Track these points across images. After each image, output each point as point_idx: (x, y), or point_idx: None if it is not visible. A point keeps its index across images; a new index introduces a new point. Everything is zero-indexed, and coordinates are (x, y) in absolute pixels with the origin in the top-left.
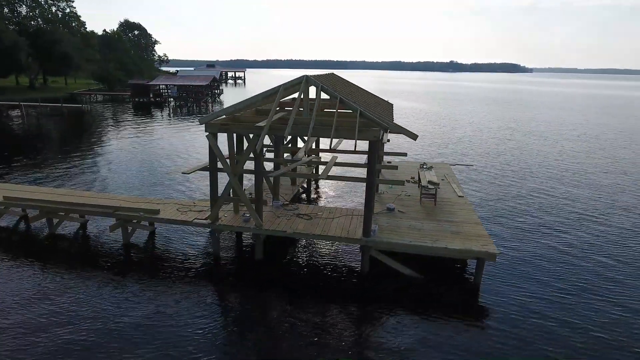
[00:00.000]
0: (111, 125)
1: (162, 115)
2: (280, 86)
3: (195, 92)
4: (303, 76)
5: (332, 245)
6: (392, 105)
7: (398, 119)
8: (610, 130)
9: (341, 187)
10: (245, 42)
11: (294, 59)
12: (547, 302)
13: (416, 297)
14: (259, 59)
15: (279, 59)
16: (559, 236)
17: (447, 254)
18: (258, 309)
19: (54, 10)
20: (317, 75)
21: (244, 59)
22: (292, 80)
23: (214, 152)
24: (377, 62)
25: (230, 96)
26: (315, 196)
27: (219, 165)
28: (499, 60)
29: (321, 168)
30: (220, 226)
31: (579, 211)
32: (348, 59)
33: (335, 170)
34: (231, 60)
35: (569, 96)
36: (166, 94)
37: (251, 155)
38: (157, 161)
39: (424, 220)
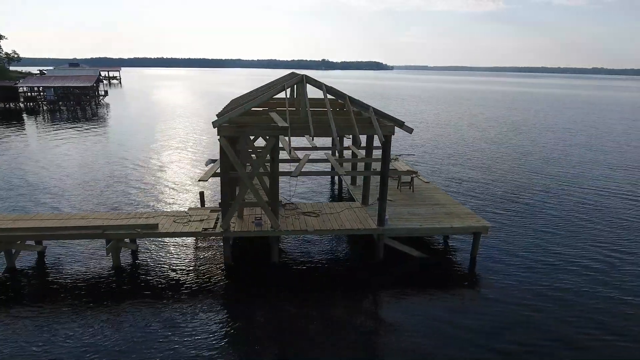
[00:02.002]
0: None
1: (37, 123)
2: (283, 84)
3: (79, 94)
4: (303, 75)
5: (336, 239)
6: None
7: None
8: (481, 117)
9: (307, 183)
10: (106, 38)
11: (165, 57)
12: (532, 264)
13: (430, 274)
14: (125, 56)
15: (148, 56)
16: (519, 205)
17: (453, 232)
18: (290, 311)
19: None
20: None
21: (108, 56)
22: (291, 80)
23: (226, 156)
24: (253, 60)
25: (118, 98)
26: (294, 194)
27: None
28: (365, 59)
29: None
30: (236, 233)
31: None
32: (224, 57)
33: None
34: (93, 58)
35: (439, 91)
36: (41, 97)
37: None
38: (48, 175)
39: (414, 206)
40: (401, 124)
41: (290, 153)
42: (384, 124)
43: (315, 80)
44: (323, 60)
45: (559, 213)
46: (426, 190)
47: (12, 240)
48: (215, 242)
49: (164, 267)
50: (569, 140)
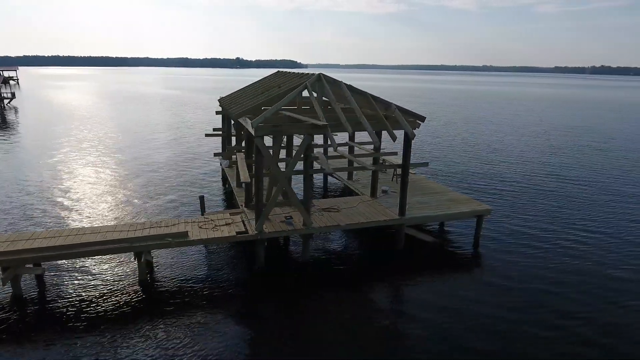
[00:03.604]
0: None
1: None
2: (305, 83)
3: None
4: (319, 74)
5: (348, 232)
6: None
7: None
8: None
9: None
10: None
11: (61, 55)
12: (527, 241)
13: (446, 258)
14: (12, 54)
15: (41, 54)
16: (500, 190)
17: (462, 217)
18: (334, 309)
19: None
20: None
21: None
22: (311, 79)
23: (261, 156)
24: (162, 58)
25: (23, 101)
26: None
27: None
28: (279, 57)
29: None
30: (271, 234)
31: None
32: (129, 55)
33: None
34: None
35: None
36: None
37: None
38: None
39: (417, 196)
40: (423, 119)
41: (336, 149)
42: (408, 120)
43: (333, 79)
44: (237, 58)
45: (545, 196)
46: (417, 181)
47: (21, 264)
48: (227, 246)
49: (189, 278)
50: (503, 130)
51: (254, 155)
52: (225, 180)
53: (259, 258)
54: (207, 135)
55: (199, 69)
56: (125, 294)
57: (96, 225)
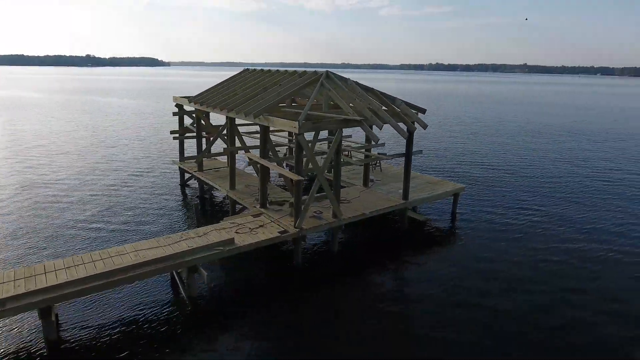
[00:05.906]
0: None
1: None
2: (321, 80)
3: None
4: (326, 71)
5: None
6: None
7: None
8: None
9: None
10: None
11: None
12: (504, 216)
13: (437, 232)
14: None
15: None
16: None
17: (445, 196)
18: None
19: None
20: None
21: None
22: (322, 76)
23: (301, 152)
24: None
25: None
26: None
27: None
28: (138, 55)
29: None
30: (310, 231)
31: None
32: None
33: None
34: None
35: None
36: None
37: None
38: None
39: (398, 182)
40: (424, 111)
41: (376, 142)
42: (415, 114)
43: (340, 75)
44: (88, 55)
45: (512, 174)
46: (387, 169)
47: (56, 302)
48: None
49: (241, 284)
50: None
51: (294, 152)
52: (184, 187)
53: (298, 255)
54: (175, 138)
55: (38, 67)
56: (177, 316)
57: (118, 247)
